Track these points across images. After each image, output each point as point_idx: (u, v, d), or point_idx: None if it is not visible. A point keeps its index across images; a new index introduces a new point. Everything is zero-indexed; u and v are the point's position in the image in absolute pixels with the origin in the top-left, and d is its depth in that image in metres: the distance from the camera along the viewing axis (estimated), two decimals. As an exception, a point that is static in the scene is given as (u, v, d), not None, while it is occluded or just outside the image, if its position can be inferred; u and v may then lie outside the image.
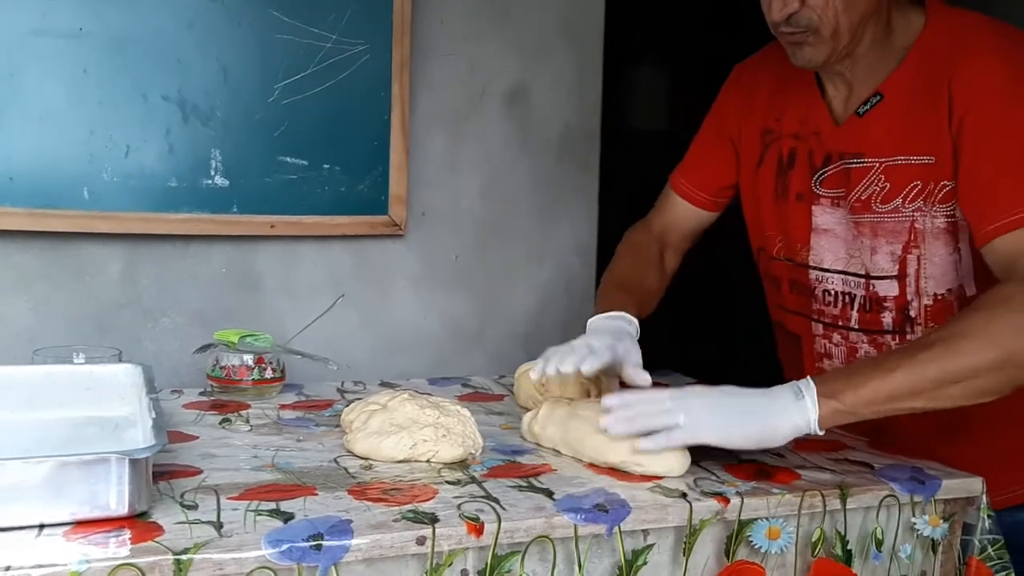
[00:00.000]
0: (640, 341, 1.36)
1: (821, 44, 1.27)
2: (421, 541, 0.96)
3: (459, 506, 1.03)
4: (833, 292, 1.41)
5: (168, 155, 1.60)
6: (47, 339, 1.52)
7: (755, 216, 1.52)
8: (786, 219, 1.45)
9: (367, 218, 1.76)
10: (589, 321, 1.40)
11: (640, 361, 1.33)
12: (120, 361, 1.38)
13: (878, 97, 1.32)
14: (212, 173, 1.63)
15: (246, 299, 1.72)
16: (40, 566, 0.83)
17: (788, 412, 1.15)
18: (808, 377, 1.17)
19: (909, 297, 1.34)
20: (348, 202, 1.74)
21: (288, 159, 1.68)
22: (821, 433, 1.16)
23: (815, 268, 1.42)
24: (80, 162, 1.55)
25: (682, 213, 1.60)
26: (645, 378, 1.30)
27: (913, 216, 1.30)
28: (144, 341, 1.64)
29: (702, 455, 1.20)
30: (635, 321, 1.40)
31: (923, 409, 1.15)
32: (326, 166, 1.71)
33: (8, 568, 0.82)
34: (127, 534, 0.91)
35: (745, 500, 1.11)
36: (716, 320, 3.74)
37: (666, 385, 1.68)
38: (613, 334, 1.34)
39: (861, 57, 1.31)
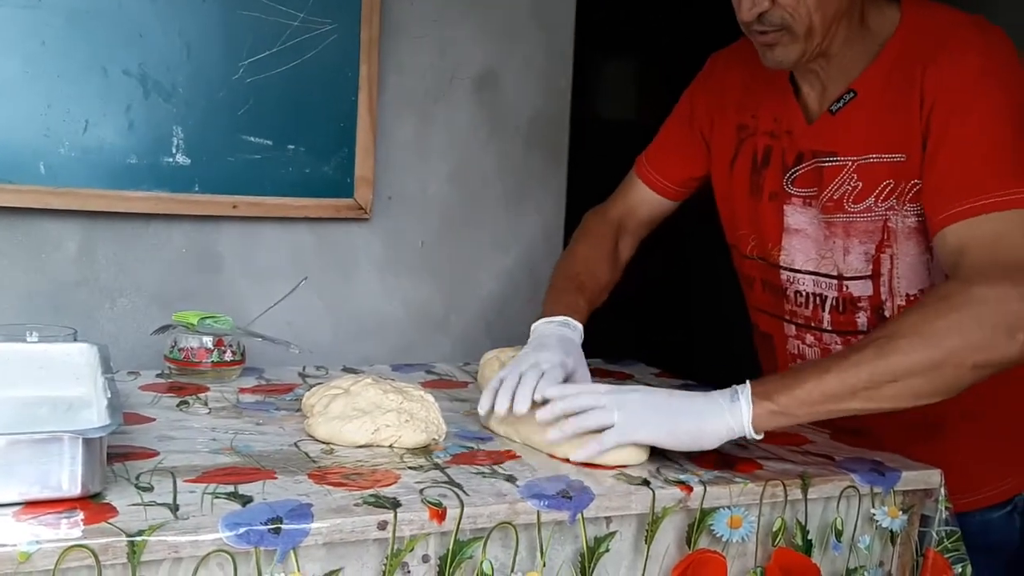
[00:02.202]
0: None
1: (794, 44, 1.24)
2: (382, 526, 0.95)
3: (421, 491, 1.02)
4: (804, 293, 1.39)
5: (128, 131, 1.56)
6: (-1, 317, 1.48)
7: (728, 213, 1.50)
8: (759, 218, 1.42)
9: (332, 200, 1.74)
10: (534, 326, 1.38)
11: (588, 375, 1.32)
12: (75, 341, 1.35)
13: (851, 94, 1.29)
14: (173, 151, 1.60)
15: (206, 280, 1.69)
16: (-12, 547, 0.81)
17: (721, 414, 1.14)
18: (747, 381, 1.16)
19: (883, 297, 1.32)
20: (313, 184, 1.71)
21: (252, 138, 1.65)
22: (758, 437, 1.15)
23: (786, 268, 1.40)
24: (36, 136, 1.51)
25: (643, 200, 1.59)
26: None
27: (886, 215, 1.28)
28: (101, 321, 1.61)
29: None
30: (579, 327, 1.38)
31: (861, 410, 1.13)
32: (291, 147, 1.68)
33: (-46, 549, 0.80)
34: (79, 515, 0.89)
35: (708, 488, 1.11)
36: (682, 310, 3.75)
37: (630, 376, 1.69)
38: (562, 346, 1.31)
39: (835, 55, 1.29)
